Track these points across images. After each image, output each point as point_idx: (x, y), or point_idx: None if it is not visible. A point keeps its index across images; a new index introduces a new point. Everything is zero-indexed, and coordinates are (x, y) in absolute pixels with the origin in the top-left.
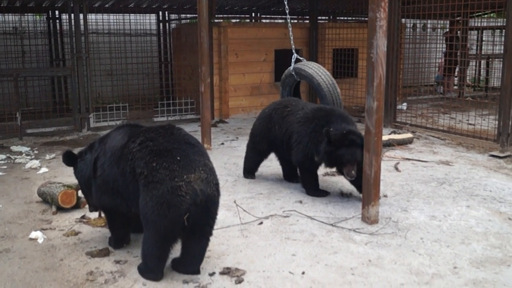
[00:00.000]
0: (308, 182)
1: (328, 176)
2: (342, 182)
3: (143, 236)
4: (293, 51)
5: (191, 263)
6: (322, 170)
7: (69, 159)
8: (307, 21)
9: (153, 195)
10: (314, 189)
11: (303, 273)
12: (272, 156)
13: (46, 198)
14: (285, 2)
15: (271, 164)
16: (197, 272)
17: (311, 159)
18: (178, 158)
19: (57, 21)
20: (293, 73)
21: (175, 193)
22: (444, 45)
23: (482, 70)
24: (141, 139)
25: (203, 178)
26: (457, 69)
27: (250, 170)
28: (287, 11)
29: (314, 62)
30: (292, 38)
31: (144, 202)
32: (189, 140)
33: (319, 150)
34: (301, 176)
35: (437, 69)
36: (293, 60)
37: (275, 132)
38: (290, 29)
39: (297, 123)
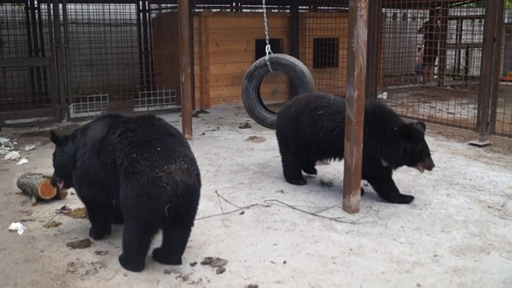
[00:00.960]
0: (391, 190)
1: None
2: (323, 172)
3: (124, 227)
4: (267, 41)
5: (172, 253)
6: None
7: (55, 139)
8: (288, 11)
9: (134, 186)
10: (400, 195)
11: (284, 262)
12: (254, 145)
13: (26, 190)
14: None
15: (252, 154)
16: (179, 262)
17: (380, 166)
18: (159, 148)
19: (36, 11)
20: (268, 63)
21: (155, 184)
22: (422, 35)
23: (461, 60)
24: (121, 130)
25: (184, 169)
26: (436, 59)
27: (296, 176)
28: (263, 1)
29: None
30: (267, 28)
31: (124, 193)
32: (169, 130)
33: (389, 153)
34: (379, 187)
35: (417, 58)
36: (267, 51)
37: (306, 135)
38: (266, 19)
39: (342, 131)
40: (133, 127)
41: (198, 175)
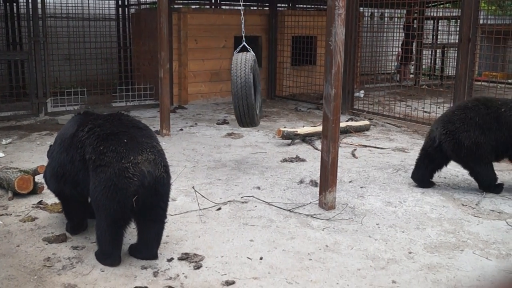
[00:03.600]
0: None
1: (286, 162)
2: (300, 169)
3: (95, 221)
4: (243, 38)
5: (147, 248)
6: (280, 156)
7: None
8: (267, 8)
9: (101, 178)
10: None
11: (261, 258)
12: (231, 142)
13: (2, 184)
14: None
15: (230, 150)
16: (155, 257)
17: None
18: (125, 140)
19: (14, 4)
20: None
21: (122, 174)
22: (402, 35)
23: (437, 59)
24: (89, 127)
25: (151, 160)
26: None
27: (495, 178)
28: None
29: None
30: (243, 25)
31: (93, 186)
32: (136, 124)
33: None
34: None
35: (395, 57)
36: (240, 46)
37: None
38: (243, 17)
39: None
40: (101, 122)
41: (166, 166)
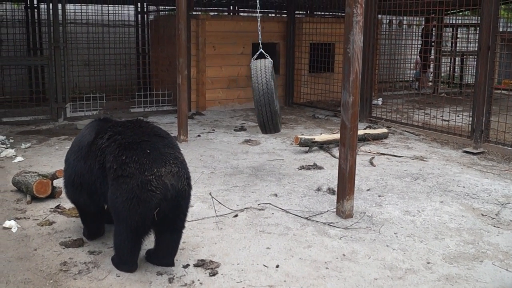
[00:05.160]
0: None
1: (303, 169)
2: (317, 176)
3: (114, 229)
4: (260, 45)
5: (164, 256)
6: (297, 163)
7: None
8: (285, 15)
9: (123, 189)
10: None
11: (277, 266)
12: (249, 148)
13: (21, 187)
14: None
15: (247, 157)
16: (171, 264)
17: None
18: (148, 151)
19: (35, 10)
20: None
21: (145, 187)
22: (420, 42)
23: (456, 67)
24: (109, 134)
25: (174, 172)
26: (431, 65)
27: None
28: (258, 6)
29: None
30: (260, 32)
31: (114, 196)
32: (158, 132)
33: None
34: None
35: (413, 65)
36: (257, 53)
37: None
38: (259, 23)
39: None
40: (121, 130)
41: (188, 178)
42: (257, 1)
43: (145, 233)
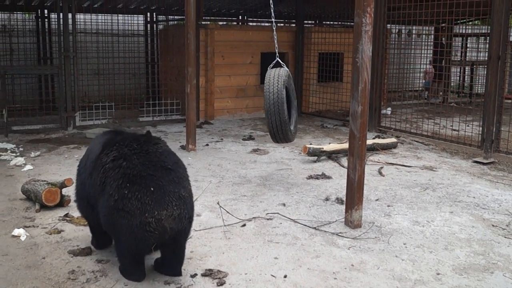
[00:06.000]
0: None
1: (312, 179)
2: (326, 186)
3: (114, 244)
4: (277, 54)
5: (171, 266)
6: (306, 173)
7: None
8: (294, 25)
9: (122, 224)
10: None
11: (285, 276)
12: (257, 158)
13: (30, 196)
14: (271, 7)
15: (255, 166)
16: (179, 274)
17: None
18: (152, 188)
19: (46, 20)
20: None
21: (143, 228)
22: (430, 52)
23: (466, 77)
24: (114, 155)
25: (175, 215)
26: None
27: None
28: (272, 16)
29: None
30: (276, 41)
31: (112, 224)
32: (165, 162)
33: None
34: None
35: (422, 75)
36: (274, 62)
37: None
38: (275, 33)
39: None
40: (127, 152)
41: (190, 217)
42: (272, 11)
43: (144, 254)
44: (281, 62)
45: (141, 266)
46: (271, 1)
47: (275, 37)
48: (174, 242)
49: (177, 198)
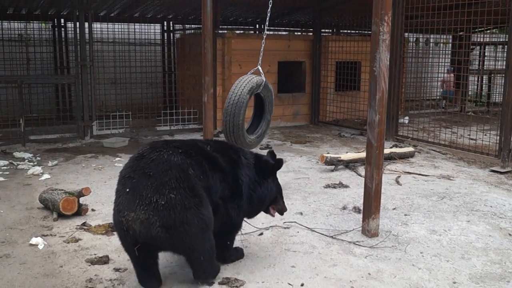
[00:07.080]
0: None
1: (329, 188)
2: (343, 195)
3: None
4: (259, 62)
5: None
6: (323, 182)
7: None
8: (311, 34)
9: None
10: None
11: (302, 285)
12: None
13: (48, 205)
14: (268, 14)
15: None
16: (196, 279)
17: None
18: (127, 190)
19: (62, 29)
20: (263, 84)
21: (118, 226)
22: (448, 60)
23: (484, 86)
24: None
25: (143, 219)
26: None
27: None
28: (266, 23)
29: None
30: (262, 50)
31: None
32: (150, 169)
33: None
34: None
35: (440, 84)
36: (255, 70)
37: None
38: (264, 40)
39: None
40: (130, 158)
41: (163, 225)
42: (267, 17)
43: (141, 257)
44: (261, 71)
45: (150, 272)
46: (268, 11)
47: (263, 45)
48: (173, 250)
49: (147, 204)
